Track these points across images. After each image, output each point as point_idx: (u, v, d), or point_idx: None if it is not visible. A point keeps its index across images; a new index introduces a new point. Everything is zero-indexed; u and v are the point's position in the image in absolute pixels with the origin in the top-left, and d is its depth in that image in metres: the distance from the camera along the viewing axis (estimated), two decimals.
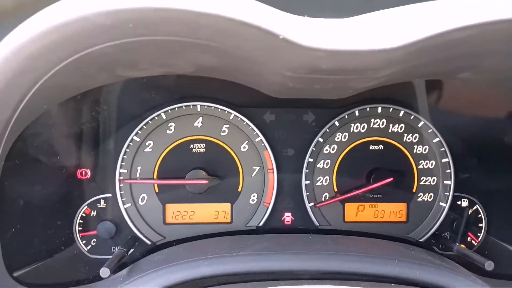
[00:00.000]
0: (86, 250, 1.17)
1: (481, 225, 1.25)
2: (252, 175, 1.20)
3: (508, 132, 1.10)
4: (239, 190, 1.20)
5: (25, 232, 0.95)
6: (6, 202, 0.86)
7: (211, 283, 0.88)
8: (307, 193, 1.21)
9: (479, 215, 1.25)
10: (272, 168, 1.20)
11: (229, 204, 1.20)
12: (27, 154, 0.89)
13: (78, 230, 1.16)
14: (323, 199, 1.21)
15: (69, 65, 0.62)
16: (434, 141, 1.22)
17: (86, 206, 1.16)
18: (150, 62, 0.69)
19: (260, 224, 1.21)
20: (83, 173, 1.15)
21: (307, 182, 1.21)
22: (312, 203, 1.21)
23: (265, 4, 0.56)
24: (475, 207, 1.25)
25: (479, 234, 1.25)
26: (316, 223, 1.21)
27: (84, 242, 1.17)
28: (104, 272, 0.91)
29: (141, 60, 0.68)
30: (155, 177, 1.17)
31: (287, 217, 1.23)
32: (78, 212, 1.16)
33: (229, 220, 1.21)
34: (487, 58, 0.74)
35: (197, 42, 0.61)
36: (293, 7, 0.59)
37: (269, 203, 1.20)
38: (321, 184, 1.22)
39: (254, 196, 1.21)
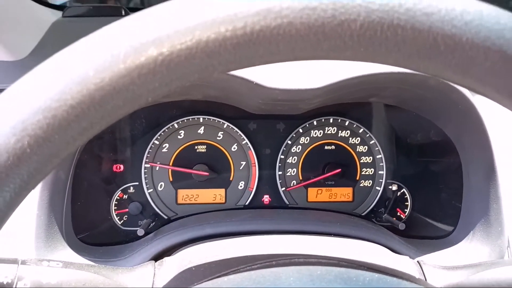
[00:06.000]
0: (120, 223, 1.60)
1: (407, 203, 1.70)
2: (240, 168, 1.63)
3: (417, 134, 1.58)
4: (231, 179, 1.63)
5: (85, 206, 1.39)
6: (77, 183, 1.29)
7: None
8: (280, 181, 1.64)
9: (405, 196, 1.70)
10: (255, 163, 1.63)
11: (223, 189, 1.62)
12: (91, 151, 1.33)
13: (114, 209, 1.60)
14: (291, 185, 1.65)
15: None
16: (371, 142, 1.67)
17: (120, 191, 1.60)
18: (175, 93, 1.14)
19: (246, 203, 1.63)
20: (118, 167, 1.60)
21: (280, 172, 1.65)
22: (284, 188, 1.64)
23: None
24: (402, 190, 1.71)
25: (406, 210, 1.70)
26: (287, 202, 1.64)
27: (118, 218, 1.60)
28: (140, 231, 1.35)
29: (171, 93, 1.12)
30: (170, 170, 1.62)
31: (266, 198, 1.65)
32: (114, 196, 1.60)
33: (223, 201, 1.63)
34: (384, 90, 1.21)
35: (206, 84, 1.06)
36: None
37: (253, 188, 1.63)
38: (290, 174, 1.65)
39: (242, 183, 1.64)
